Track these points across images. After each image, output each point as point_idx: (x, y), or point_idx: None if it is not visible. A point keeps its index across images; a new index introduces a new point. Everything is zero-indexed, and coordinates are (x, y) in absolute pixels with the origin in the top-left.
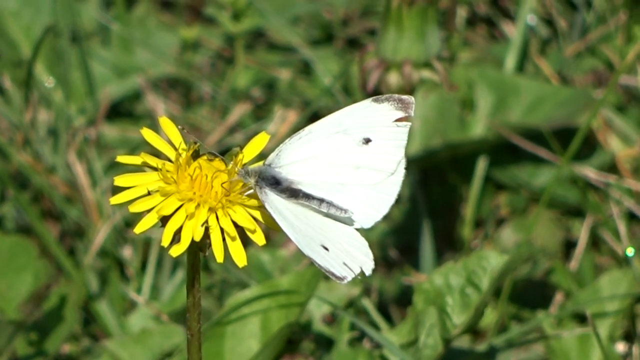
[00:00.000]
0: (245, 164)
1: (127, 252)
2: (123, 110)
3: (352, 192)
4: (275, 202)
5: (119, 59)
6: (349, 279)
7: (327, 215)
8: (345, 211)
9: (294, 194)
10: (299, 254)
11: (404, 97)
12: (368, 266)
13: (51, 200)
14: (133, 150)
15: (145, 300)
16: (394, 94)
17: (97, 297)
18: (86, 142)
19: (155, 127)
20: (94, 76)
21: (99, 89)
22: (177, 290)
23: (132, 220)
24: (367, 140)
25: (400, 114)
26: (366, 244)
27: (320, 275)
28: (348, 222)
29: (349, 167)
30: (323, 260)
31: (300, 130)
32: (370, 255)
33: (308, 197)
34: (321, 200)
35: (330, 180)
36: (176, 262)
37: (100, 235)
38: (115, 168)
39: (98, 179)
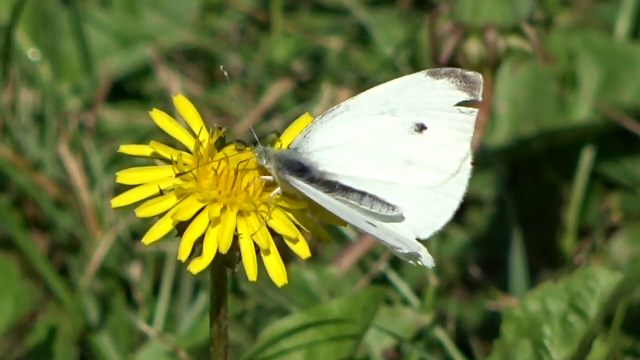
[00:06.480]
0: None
1: (135, 271)
2: (129, 90)
3: (403, 192)
4: (303, 185)
5: (123, 24)
6: (406, 251)
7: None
8: (394, 208)
9: (329, 186)
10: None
11: (469, 73)
12: (428, 262)
13: (37, 206)
14: (141, 140)
15: (159, 332)
16: (457, 69)
17: (97, 328)
18: (82, 131)
19: (170, 110)
20: (91, 47)
21: (98, 62)
22: (199, 319)
23: (140, 229)
24: (422, 127)
25: (464, 97)
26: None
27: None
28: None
29: (399, 161)
30: (374, 231)
31: (334, 107)
32: (426, 253)
33: (346, 190)
34: (362, 194)
35: (375, 177)
36: (198, 283)
37: (101, 249)
38: (119, 162)
39: (97, 177)
